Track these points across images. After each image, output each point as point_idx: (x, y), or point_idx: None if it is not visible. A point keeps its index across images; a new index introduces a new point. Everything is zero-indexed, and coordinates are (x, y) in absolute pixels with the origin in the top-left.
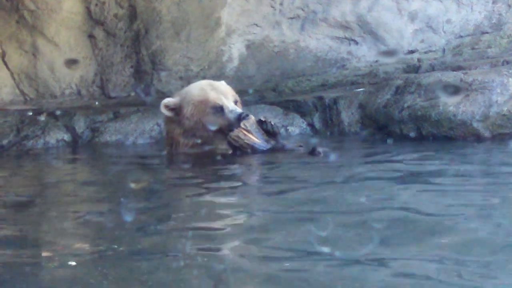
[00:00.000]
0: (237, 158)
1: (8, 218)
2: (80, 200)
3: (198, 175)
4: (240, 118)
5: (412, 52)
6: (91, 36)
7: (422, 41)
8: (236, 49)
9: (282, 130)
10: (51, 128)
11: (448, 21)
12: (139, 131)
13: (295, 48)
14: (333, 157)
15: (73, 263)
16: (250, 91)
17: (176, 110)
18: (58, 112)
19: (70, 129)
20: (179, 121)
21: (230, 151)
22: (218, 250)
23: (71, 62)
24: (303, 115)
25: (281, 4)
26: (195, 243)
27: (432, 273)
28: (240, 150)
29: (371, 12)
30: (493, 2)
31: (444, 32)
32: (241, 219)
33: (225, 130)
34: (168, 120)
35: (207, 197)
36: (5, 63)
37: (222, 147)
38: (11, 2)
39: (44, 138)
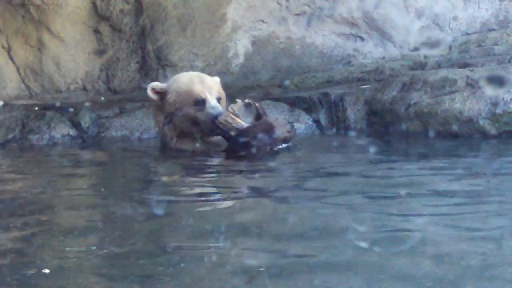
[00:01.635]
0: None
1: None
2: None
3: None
4: (216, 117)
5: (418, 49)
6: (96, 31)
7: (429, 38)
8: (241, 45)
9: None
10: (56, 123)
11: (455, 18)
12: (144, 127)
13: (301, 44)
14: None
15: (47, 271)
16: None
17: (161, 95)
18: (70, 109)
19: (75, 124)
20: (162, 106)
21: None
22: (251, 246)
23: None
24: (308, 111)
25: (287, 0)
26: (228, 238)
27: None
28: (224, 137)
29: (378, 9)
30: (500, 0)
31: (451, 29)
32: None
33: (200, 124)
34: (154, 104)
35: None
36: (11, 58)
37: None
38: None
39: (49, 133)
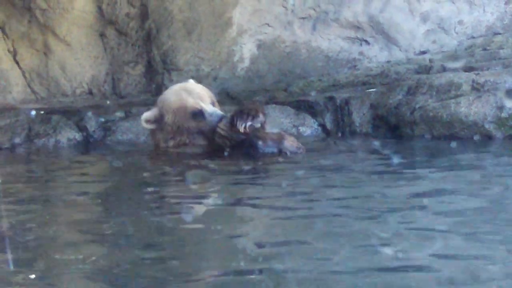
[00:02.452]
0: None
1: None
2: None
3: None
4: (221, 120)
5: (423, 52)
6: (102, 35)
7: (434, 42)
8: (247, 49)
9: (293, 130)
10: (62, 127)
11: (460, 22)
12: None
13: (306, 48)
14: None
15: (33, 276)
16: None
17: (157, 121)
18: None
19: (81, 128)
20: (161, 129)
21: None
22: (278, 252)
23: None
24: (314, 115)
25: (293, 4)
26: (256, 244)
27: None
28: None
29: (383, 13)
30: (506, 3)
31: (456, 33)
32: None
33: (207, 133)
34: (151, 131)
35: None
36: (17, 62)
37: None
38: (23, 1)
39: (55, 137)
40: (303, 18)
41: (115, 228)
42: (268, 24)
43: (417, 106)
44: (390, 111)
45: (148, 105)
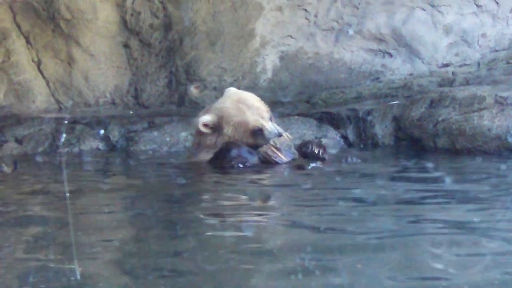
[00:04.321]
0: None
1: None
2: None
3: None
4: (278, 137)
5: (446, 65)
6: (126, 46)
7: (457, 54)
8: (270, 60)
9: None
10: (85, 137)
11: (483, 35)
12: (173, 141)
13: (329, 60)
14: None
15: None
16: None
17: (214, 128)
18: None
19: (105, 138)
20: (216, 136)
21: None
22: (335, 265)
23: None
24: (336, 127)
25: (315, 16)
26: (313, 257)
27: None
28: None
29: (406, 25)
30: None
31: (479, 46)
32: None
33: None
34: (200, 132)
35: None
36: (41, 72)
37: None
38: (48, 11)
39: (79, 146)
40: (325, 30)
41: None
42: (290, 36)
43: (440, 119)
44: (412, 124)
45: (171, 115)
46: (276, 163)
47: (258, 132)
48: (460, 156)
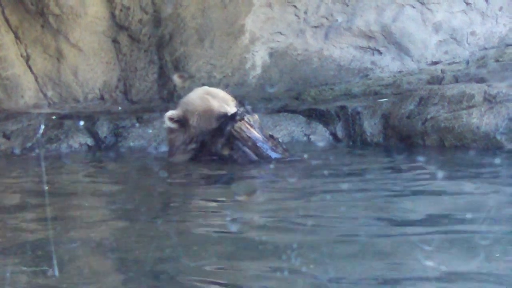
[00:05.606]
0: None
1: None
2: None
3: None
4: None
5: (435, 63)
6: (115, 41)
7: (446, 52)
8: (259, 56)
9: (304, 139)
10: (74, 132)
11: (473, 33)
12: (161, 137)
13: (318, 56)
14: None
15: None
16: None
17: (181, 121)
18: (81, 123)
19: (93, 133)
20: (183, 132)
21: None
22: (323, 259)
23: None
24: (325, 124)
25: (305, 12)
26: (300, 253)
27: None
28: (239, 146)
29: (396, 22)
30: None
31: (468, 44)
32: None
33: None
34: (170, 130)
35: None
36: (29, 67)
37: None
38: (36, 6)
39: (67, 142)
40: (315, 26)
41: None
42: (280, 32)
43: (429, 116)
44: (401, 121)
45: (160, 111)
46: (250, 139)
47: (223, 118)
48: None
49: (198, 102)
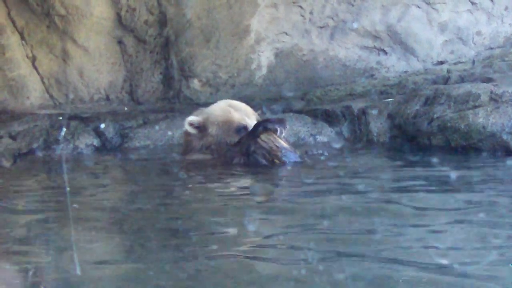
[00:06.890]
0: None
1: None
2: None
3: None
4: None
5: (441, 63)
6: (120, 42)
7: (452, 52)
8: (265, 57)
9: (310, 139)
10: (80, 133)
11: (478, 33)
12: (167, 137)
13: (324, 57)
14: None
15: None
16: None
17: (200, 128)
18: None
19: (99, 134)
20: (201, 137)
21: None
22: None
23: None
24: (331, 124)
25: (310, 13)
26: (317, 252)
27: None
28: (265, 158)
29: (401, 22)
30: None
31: (474, 43)
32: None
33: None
34: (188, 134)
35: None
36: (35, 68)
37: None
38: (42, 7)
39: (73, 142)
40: (321, 27)
41: None
42: (286, 33)
43: (435, 116)
44: (407, 121)
45: (165, 111)
46: (278, 149)
47: (243, 131)
48: (456, 153)
49: (219, 112)
